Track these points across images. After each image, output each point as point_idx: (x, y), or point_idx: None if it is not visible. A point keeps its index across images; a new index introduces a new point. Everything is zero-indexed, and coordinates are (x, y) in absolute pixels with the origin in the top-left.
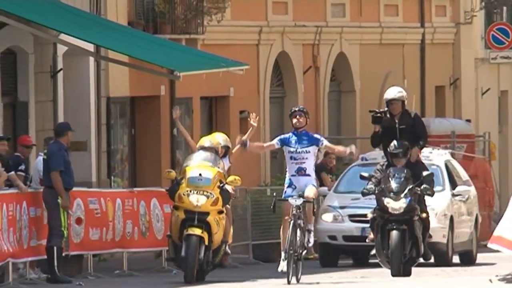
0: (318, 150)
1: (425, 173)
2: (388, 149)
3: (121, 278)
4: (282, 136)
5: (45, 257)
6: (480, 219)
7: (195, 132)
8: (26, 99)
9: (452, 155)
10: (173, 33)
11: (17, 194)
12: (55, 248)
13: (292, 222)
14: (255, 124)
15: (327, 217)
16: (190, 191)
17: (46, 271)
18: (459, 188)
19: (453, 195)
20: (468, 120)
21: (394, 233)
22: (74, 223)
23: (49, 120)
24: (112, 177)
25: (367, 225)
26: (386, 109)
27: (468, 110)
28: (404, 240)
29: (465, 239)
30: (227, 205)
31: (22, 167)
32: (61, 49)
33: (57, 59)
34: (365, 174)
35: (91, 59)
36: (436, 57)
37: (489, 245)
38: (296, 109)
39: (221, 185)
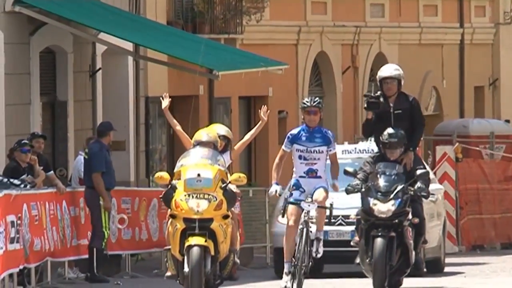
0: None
1: (419, 170)
2: (381, 138)
3: (158, 278)
4: (291, 135)
5: (84, 256)
6: (447, 223)
7: (234, 132)
8: (65, 99)
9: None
10: (212, 32)
11: (56, 194)
12: (95, 249)
13: (304, 230)
14: (266, 118)
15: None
16: (189, 195)
17: (84, 270)
18: (430, 187)
19: None
20: (507, 121)
21: (379, 241)
22: (117, 223)
23: (87, 119)
24: (151, 177)
25: (331, 227)
26: (380, 92)
27: (507, 110)
28: (391, 249)
29: (434, 245)
30: (233, 209)
31: None
32: (100, 49)
33: (96, 58)
34: (350, 169)
35: (130, 58)
36: (475, 58)
37: None
38: (309, 103)
39: (224, 185)
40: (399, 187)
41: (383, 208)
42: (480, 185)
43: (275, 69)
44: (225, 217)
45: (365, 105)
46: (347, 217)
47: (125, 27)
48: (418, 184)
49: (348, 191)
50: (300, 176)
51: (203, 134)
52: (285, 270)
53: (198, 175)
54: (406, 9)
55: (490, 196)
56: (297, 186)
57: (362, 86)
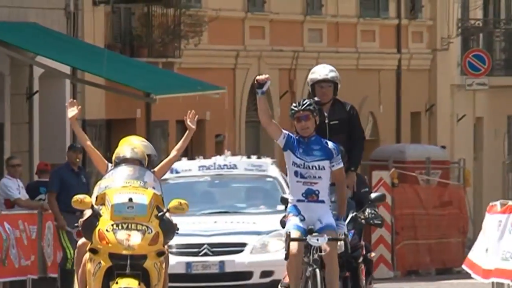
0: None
1: (374, 194)
2: None
3: None
4: (289, 133)
5: (18, 278)
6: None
7: None
8: (1, 121)
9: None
10: (150, 56)
11: None
12: (59, 268)
13: (316, 271)
14: (194, 126)
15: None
16: (117, 226)
17: None
18: None
19: None
20: (443, 147)
21: None
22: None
23: (24, 142)
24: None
25: (195, 258)
26: (317, 98)
27: (443, 136)
28: None
29: None
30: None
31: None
32: (38, 71)
33: (33, 81)
34: (287, 197)
35: (67, 81)
36: (412, 83)
37: (463, 266)
38: (298, 107)
39: (161, 214)
40: (350, 216)
41: None
42: (416, 210)
43: (212, 93)
44: (160, 254)
45: None
46: (214, 245)
47: (63, 50)
48: (369, 210)
49: (284, 223)
50: (298, 200)
51: (126, 150)
52: None
53: (130, 199)
54: (344, 34)
55: (425, 222)
56: (296, 213)
57: None
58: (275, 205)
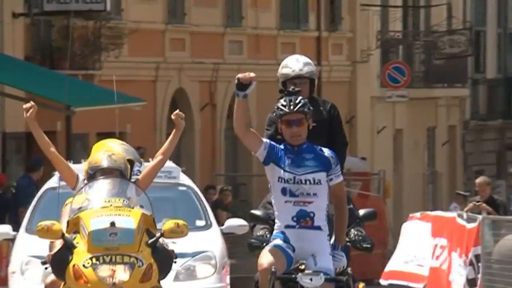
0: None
1: (363, 211)
2: None
3: None
4: (272, 143)
5: None
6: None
7: None
8: None
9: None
10: (70, 68)
11: None
12: None
13: None
14: (183, 122)
15: (31, 276)
16: (97, 259)
17: None
18: (230, 222)
19: (224, 233)
20: (364, 158)
21: None
22: None
23: None
24: (7, 215)
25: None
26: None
27: (363, 148)
28: None
29: None
30: None
31: None
32: None
33: None
34: (258, 213)
35: None
36: (333, 95)
37: (381, 281)
38: (289, 107)
39: (152, 240)
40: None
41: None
42: None
43: (133, 106)
44: None
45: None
46: None
47: None
48: (354, 230)
49: (253, 247)
50: (287, 226)
51: (102, 158)
52: None
53: (112, 224)
54: (265, 46)
55: None
56: (283, 238)
57: (220, 123)
58: (193, 219)
